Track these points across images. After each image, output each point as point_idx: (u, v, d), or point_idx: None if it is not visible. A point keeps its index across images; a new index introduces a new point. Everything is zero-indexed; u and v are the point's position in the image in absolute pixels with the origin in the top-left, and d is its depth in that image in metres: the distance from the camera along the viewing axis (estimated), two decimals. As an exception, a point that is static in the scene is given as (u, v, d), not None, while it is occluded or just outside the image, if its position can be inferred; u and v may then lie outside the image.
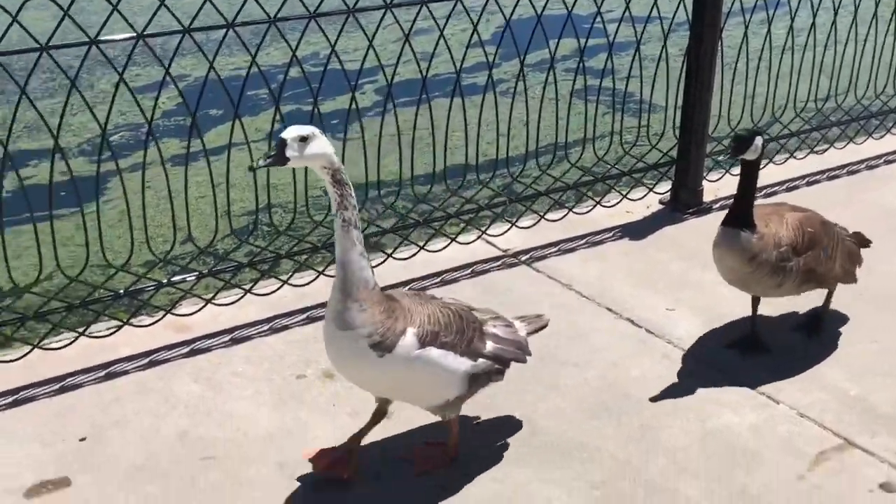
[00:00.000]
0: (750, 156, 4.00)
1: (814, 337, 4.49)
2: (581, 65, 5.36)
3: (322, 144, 3.16)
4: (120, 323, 4.52)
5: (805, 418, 4.01)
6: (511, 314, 3.86)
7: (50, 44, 3.95)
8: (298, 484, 3.64)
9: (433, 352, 3.33)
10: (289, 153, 3.11)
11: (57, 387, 4.18)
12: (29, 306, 4.45)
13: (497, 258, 5.28)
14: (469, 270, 5.14)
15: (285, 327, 4.64)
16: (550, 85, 5.28)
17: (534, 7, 5.05)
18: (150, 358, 4.38)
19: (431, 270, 5.12)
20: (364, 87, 4.80)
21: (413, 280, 5.03)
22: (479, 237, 5.42)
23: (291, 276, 4.93)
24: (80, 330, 4.45)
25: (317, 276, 4.92)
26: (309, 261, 5.04)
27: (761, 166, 4.26)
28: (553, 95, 5.30)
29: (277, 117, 4.59)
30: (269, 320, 4.69)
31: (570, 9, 5.15)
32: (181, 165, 4.56)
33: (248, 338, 4.56)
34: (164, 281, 4.66)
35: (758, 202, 4.19)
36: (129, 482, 3.63)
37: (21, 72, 4.09)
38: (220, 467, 3.73)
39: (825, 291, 4.51)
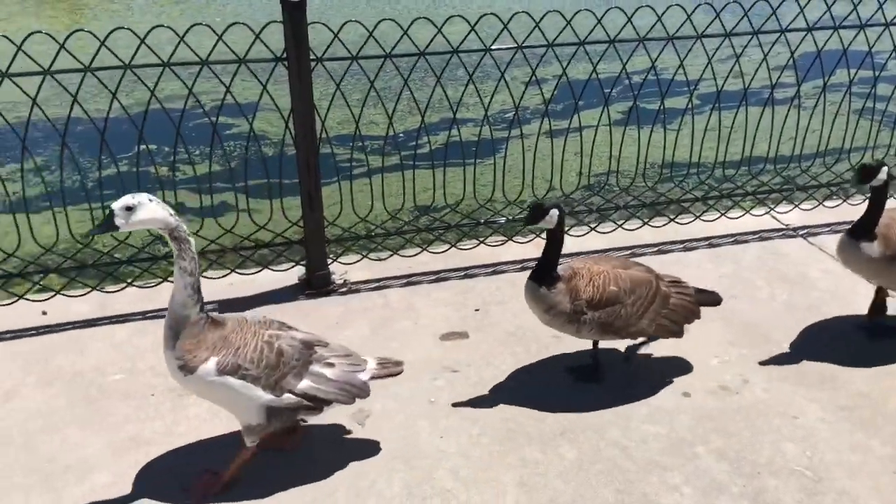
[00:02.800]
0: (546, 225, 3.27)
1: None
2: (874, 90, 4.87)
3: (149, 211, 2.60)
4: (505, 239, 4.78)
5: None
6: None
7: (428, 50, 4.04)
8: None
9: (230, 380, 2.76)
10: (118, 221, 2.59)
11: (462, 273, 4.49)
12: (449, 219, 4.83)
13: (779, 230, 4.97)
14: (757, 236, 4.89)
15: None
16: (841, 103, 4.87)
17: (842, 42, 4.66)
18: (523, 264, 4.58)
19: (728, 232, 4.92)
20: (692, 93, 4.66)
21: (713, 237, 4.86)
22: (767, 212, 5.12)
23: (625, 222, 4.94)
24: (481, 239, 4.74)
25: (642, 225, 4.91)
26: (639, 213, 5.01)
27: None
28: (845, 111, 4.89)
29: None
30: (603, 251, 4.73)
31: (870, 46, 4.70)
32: (547, 138, 4.71)
33: (590, 260, 4.67)
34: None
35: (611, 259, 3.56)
36: (504, 342, 3.84)
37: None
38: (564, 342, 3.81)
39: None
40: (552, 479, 3.05)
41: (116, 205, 2.57)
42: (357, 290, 4.33)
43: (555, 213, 3.24)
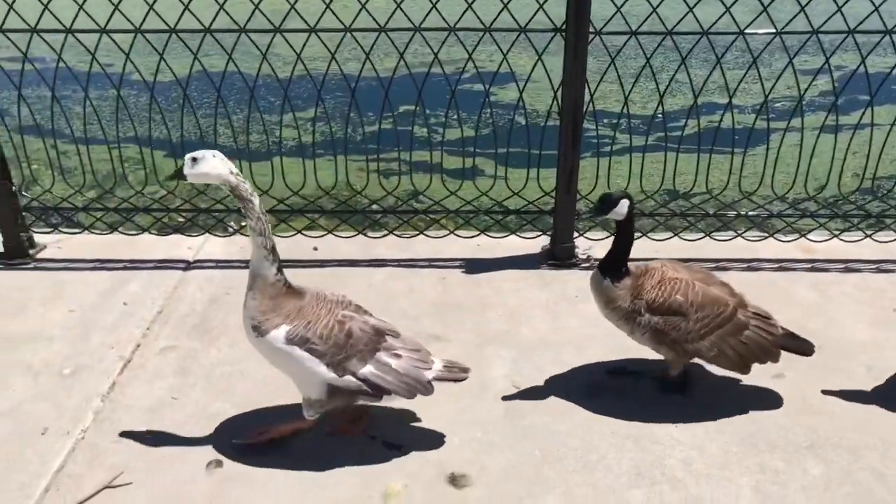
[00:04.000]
0: (616, 216, 3.10)
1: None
2: None
3: (209, 166, 2.68)
4: (764, 235, 4.51)
5: None
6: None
7: (598, 28, 3.94)
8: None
9: (296, 351, 2.79)
10: (185, 170, 2.72)
11: (713, 265, 4.28)
12: (705, 207, 4.67)
13: None
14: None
15: (890, 270, 4.28)
16: None
17: None
18: (781, 264, 4.33)
19: None
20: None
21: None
22: None
23: (913, 233, 4.50)
24: (738, 231, 4.50)
25: (926, 239, 4.44)
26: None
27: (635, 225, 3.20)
28: None
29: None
30: (876, 262, 4.35)
31: None
32: (825, 133, 4.35)
33: (859, 270, 4.29)
34: (798, 213, 4.51)
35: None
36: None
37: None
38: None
39: None
40: (793, 491, 2.90)
41: (188, 155, 2.72)
42: (600, 267, 4.33)
43: (625, 203, 3.10)
